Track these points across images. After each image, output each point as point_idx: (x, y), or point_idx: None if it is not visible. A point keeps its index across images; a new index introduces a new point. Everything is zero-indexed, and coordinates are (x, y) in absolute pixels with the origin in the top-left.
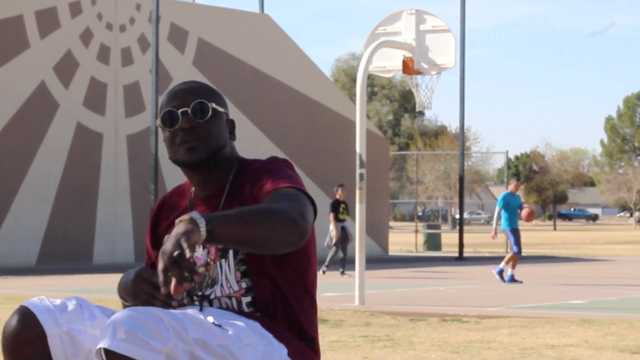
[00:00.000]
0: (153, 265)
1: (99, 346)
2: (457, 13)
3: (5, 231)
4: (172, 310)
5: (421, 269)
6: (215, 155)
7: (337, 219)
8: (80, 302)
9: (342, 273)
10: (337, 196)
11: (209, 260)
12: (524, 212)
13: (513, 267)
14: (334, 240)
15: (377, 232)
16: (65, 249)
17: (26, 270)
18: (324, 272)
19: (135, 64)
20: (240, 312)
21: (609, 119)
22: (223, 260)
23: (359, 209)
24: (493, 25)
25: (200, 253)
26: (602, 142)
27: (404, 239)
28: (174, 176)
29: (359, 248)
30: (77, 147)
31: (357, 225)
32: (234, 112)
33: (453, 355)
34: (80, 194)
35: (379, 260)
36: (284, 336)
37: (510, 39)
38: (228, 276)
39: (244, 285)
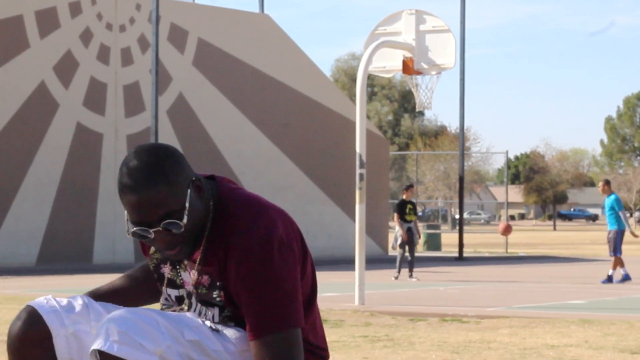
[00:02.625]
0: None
1: (92, 347)
2: (457, 13)
3: (5, 231)
4: (170, 313)
5: (421, 269)
6: (198, 238)
7: (404, 220)
8: (86, 302)
9: (411, 276)
10: (404, 196)
11: (191, 290)
12: (501, 227)
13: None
14: (399, 241)
15: (377, 232)
16: (65, 249)
17: (26, 270)
18: (396, 278)
19: (135, 64)
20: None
21: (609, 119)
22: (209, 312)
23: (358, 209)
24: (493, 25)
25: (185, 277)
26: (602, 142)
27: None
28: None
29: (359, 248)
30: (77, 147)
31: (357, 225)
32: (234, 112)
33: (453, 355)
34: (80, 194)
35: (379, 260)
36: None
37: (510, 39)
38: (214, 325)
39: (218, 300)
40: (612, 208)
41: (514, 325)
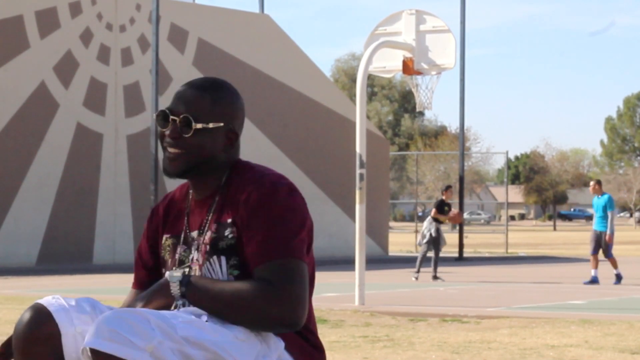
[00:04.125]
0: (145, 266)
1: (83, 345)
2: (457, 13)
3: (5, 231)
4: (163, 312)
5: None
6: (197, 168)
7: (437, 220)
8: (93, 304)
9: (435, 277)
10: (444, 197)
11: (196, 261)
12: (451, 214)
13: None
14: (426, 238)
15: (377, 232)
16: (65, 249)
17: (26, 270)
18: (416, 279)
19: (135, 64)
20: None
21: (609, 120)
22: (215, 259)
23: (359, 209)
24: (493, 25)
25: (195, 256)
26: (602, 142)
27: (404, 239)
28: None
29: (359, 248)
30: (77, 147)
31: (357, 226)
32: None
33: (453, 356)
34: (80, 194)
35: (379, 260)
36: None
37: (510, 39)
38: (221, 279)
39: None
40: (604, 209)
41: (514, 326)
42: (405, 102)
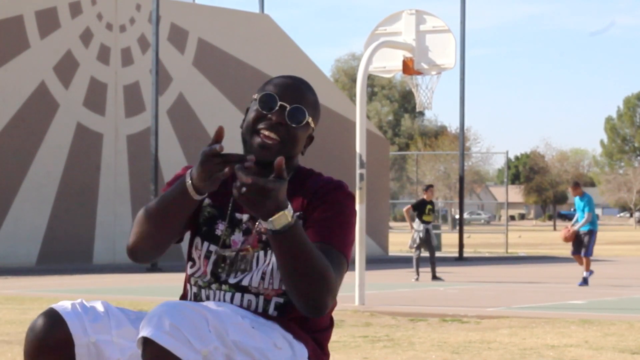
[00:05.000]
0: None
1: (140, 335)
2: (457, 13)
3: (5, 231)
4: (215, 309)
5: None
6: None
7: (422, 220)
8: (107, 308)
9: (434, 277)
10: (425, 197)
11: (247, 246)
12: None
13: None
14: (417, 242)
15: (377, 232)
16: (65, 249)
17: (26, 270)
18: (416, 280)
19: (135, 64)
20: (261, 312)
21: (609, 120)
22: (268, 253)
23: (359, 209)
24: (493, 25)
25: (237, 237)
26: (602, 142)
27: (404, 239)
28: None
29: (359, 248)
30: (77, 147)
31: (357, 226)
32: (234, 112)
33: (453, 356)
34: (80, 194)
35: (379, 260)
36: (301, 336)
37: (510, 39)
38: (274, 272)
39: (284, 287)
40: (583, 209)
41: (514, 326)
42: (405, 102)
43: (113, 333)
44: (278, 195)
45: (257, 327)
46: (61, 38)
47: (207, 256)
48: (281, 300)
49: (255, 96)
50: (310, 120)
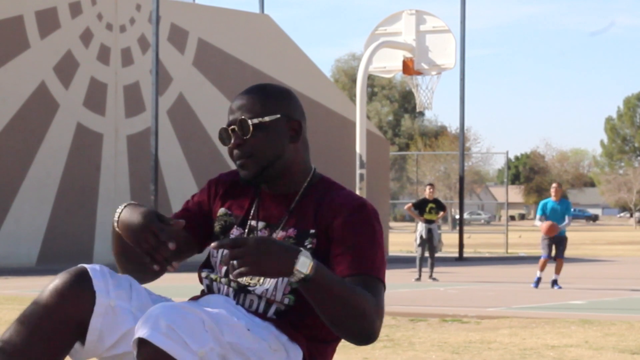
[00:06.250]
0: (186, 216)
1: (136, 336)
2: (457, 13)
3: (5, 231)
4: (212, 310)
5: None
6: (269, 168)
7: (424, 220)
8: (131, 282)
9: (431, 276)
10: (426, 195)
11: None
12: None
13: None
14: (418, 241)
15: None
16: (65, 249)
17: (26, 270)
18: (417, 279)
19: (135, 64)
20: (261, 313)
21: (609, 120)
22: None
23: None
24: (493, 25)
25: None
26: (602, 142)
27: (404, 239)
28: (174, 177)
29: None
30: (77, 147)
31: None
32: None
33: (453, 356)
34: (80, 194)
35: None
36: (296, 338)
37: (510, 39)
38: (278, 285)
39: (286, 301)
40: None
41: (514, 326)
42: (406, 102)
43: (133, 304)
44: (264, 262)
45: (253, 329)
46: (61, 38)
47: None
48: (282, 307)
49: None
50: (256, 121)
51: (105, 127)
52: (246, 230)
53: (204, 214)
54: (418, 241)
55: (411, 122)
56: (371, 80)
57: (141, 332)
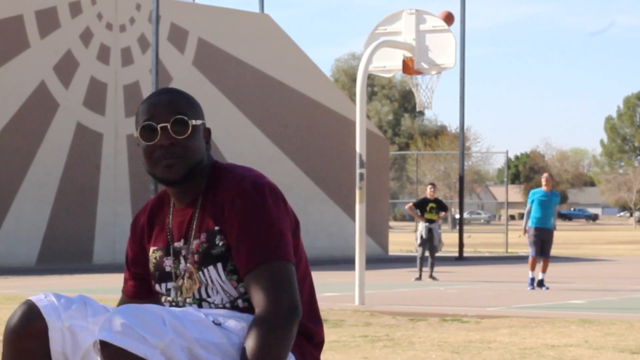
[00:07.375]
0: (133, 276)
1: (95, 338)
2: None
3: (5, 231)
4: (172, 309)
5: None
6: (194, 171)
7: (425, 219)
8: (85, 300)
9: (430, 276)
10: (427, 195)
11: (189, 266)
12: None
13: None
14: (419, 241)
15: (377, 232)
16: (65, 249)
17: (26, 270)
18: (417, 279)
19: (135, 64)
20: (234, 306)
21: (609, 119)
22: (210, 268)
23: (359, 209)
24: (493, 25)
25: (183, 265)
26: (602, 142)
27: (404, 239)
28: None
29: (359, 248)
30: (77, 147)
31: (357, 225)
32: (234, 112)
33: (453, 355)
34: (80, 194)
35: (379, 260)
36: None
37: (510, 39)
38: (223, 286)
39: (242, 290)
40: (554, 206)
41: (514, 325)
42: (405, 102)
43: (89, 320)
44: None
45: (224, 323)
46: (61, 38)
47: (169, 293)
48: (246, 297)
49: (135, 134)
50: (194, 122)
51: (105, 126)
52: (173, 257)
53: (145, 261)
54: (419, 241)
55: (411, 122)
56: (371, 79)
57: (99, 334)
